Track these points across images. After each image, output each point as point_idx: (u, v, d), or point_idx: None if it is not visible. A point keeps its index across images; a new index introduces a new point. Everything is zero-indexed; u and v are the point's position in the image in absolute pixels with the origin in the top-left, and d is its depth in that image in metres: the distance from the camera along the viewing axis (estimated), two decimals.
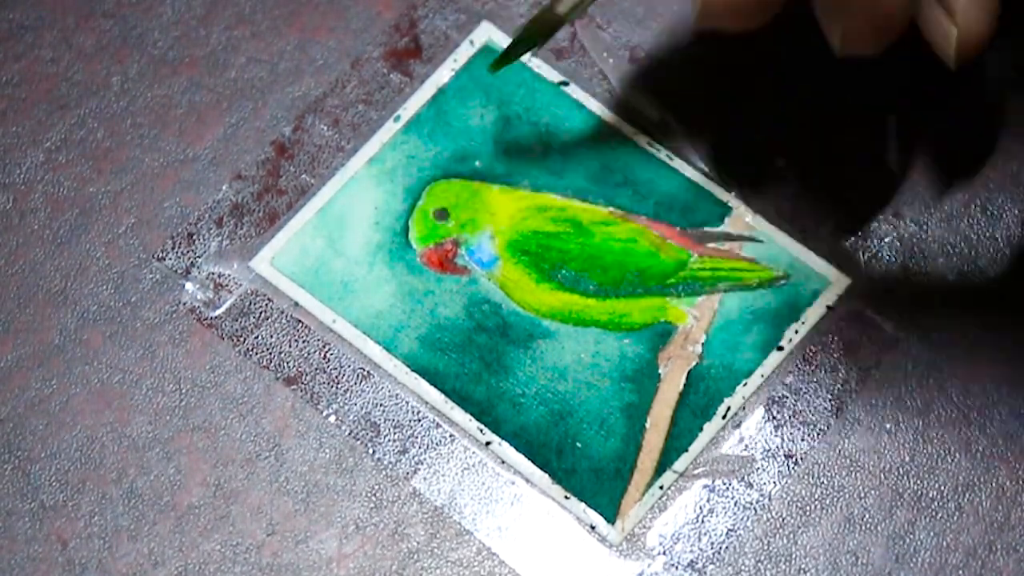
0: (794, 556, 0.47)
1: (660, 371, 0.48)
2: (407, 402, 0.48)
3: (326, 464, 0.48)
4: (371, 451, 0.48)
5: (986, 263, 0.50)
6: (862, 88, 0.51)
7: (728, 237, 0.50)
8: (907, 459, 0.48)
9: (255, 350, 0.49)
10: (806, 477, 0.47)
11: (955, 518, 0.47)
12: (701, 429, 0.48)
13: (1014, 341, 0.49)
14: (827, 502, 0.47)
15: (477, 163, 0.50)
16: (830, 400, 0.48)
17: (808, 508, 0.47)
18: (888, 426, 0.48)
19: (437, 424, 0.48)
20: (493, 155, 0.50)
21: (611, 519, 0.47)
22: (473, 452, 0.48)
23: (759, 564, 0.47)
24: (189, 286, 0.50)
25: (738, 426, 0.48)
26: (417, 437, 0.48)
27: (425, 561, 0.47)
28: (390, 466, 0.48)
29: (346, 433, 0.48)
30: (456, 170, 0.50)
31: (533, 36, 0.49)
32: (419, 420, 0.48)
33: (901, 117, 0.51)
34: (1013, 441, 0.48)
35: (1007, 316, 0.49)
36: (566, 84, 0.51)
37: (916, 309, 0.49)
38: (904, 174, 0.51)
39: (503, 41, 0.52)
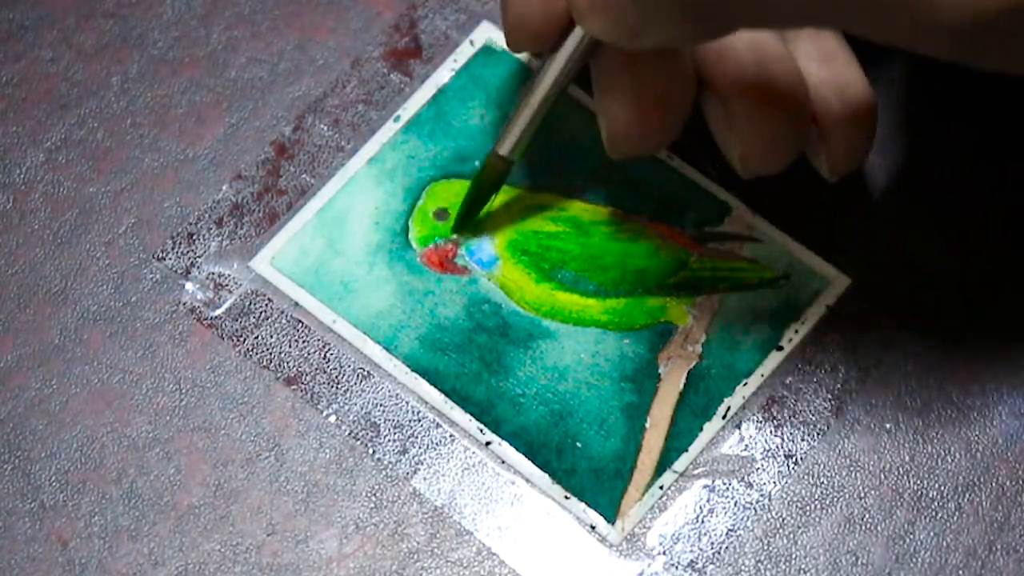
0: (794, 556, 0.47)
1: (660, 371, 0.48)
2: (407, 402, 0.48)
3: (326, 464, 0.48)
4: (371, 451, 0.48)
5: (987, 263, 0.49)
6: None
7: (728, 237, 0.50)
8: (907, 459, 0.47)
9: (255, 350, 0.49)
10: (806, 477, 0.47)
11: (955, 518, 0.47)
12: (701, 429, 0.48)
13: (1014, 341, 0.49)
14: (827, 502, 0.47)
15: (477, 163, 0.50)
16: (830, 400, 0.48)
17: (808, 508, 0.47)
18: (888, 426, 0.48)
19: (437, 424, 0.48)
20: None
21: (611, 519, 0.47)
22: (473, 452, 0.48)
23: (759, 564, 0.47)
24: (189, 286, 0.50)
25: (738, 426, 0.48)
26: (417, 437, 0.48)
27: (425, 561, 0.47)
28: (390, 466, 0.48)
29: (346, 433, 0.48)
30: (456, 170, 0.50)
31: (487, 185, 0.49)
32: (419, 420, 0.48)
33: (902, 115, 0.51)
34: (1013, 441, 0.48)
35: (1008, 316, 0.49)
36: None
37: (916, 309, 0.49)
38: (905, 174, 0.51)
39: (503, 41, 0.51)
